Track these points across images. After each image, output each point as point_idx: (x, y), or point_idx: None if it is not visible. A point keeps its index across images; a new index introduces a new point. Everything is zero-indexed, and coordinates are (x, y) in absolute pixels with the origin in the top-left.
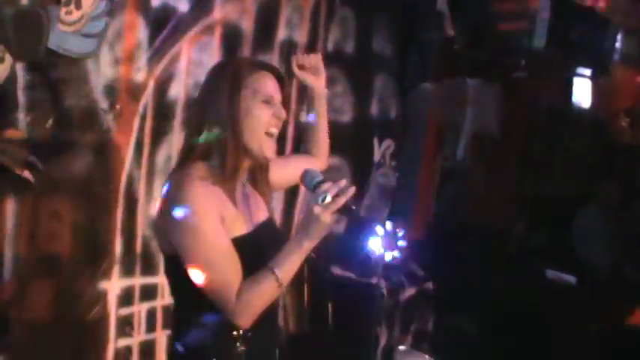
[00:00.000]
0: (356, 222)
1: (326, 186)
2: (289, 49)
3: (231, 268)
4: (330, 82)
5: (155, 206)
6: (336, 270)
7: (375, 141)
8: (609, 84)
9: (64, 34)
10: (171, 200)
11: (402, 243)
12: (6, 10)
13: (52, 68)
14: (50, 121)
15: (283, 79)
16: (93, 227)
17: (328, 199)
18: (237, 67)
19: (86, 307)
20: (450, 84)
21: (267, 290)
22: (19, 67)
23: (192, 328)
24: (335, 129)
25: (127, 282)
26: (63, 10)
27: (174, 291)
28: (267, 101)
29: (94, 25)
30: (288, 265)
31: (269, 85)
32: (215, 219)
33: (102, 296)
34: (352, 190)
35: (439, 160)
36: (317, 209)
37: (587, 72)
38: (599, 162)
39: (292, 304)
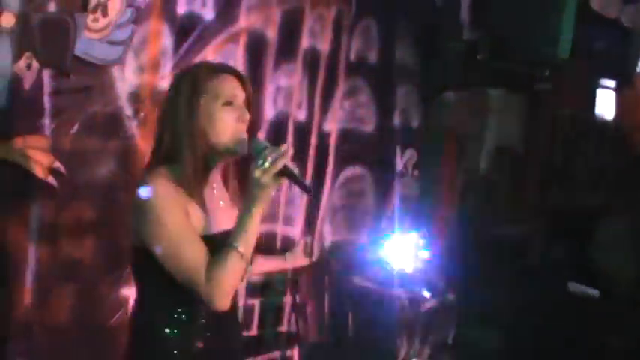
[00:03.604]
0: (295, 184)
1: (267, 151)
2: (312, 57)
3: (197, 253)
4: (353, 91)
5: None
6: (357, 280)
7: (398, 151)
8: (632, 95)
9: (91, 41)
10: (137, 197)
11: (423, 254)
12: (33, 17)
13: (78, 75)
14: (75, 128)
15: (245, 80)
16: (115, 233)
17: (267, 163)
18: (197, 71)
19: (108, 312)
20: (473, 94)
21: (232, 265)
22: (46, 74)
23: (156, 319)
24: (358, 139)
25: None
26: (90, 17)
27: (141, 283)
28: (229, 103)
29: (120, 32)
30: (244, 235)
31: (230, 87)
32: (178, 209)
33: (124, 302)
34: (289, 152)
35: (461, 171)
36: (257, 173)
37: (611, 83)
38: (621, 173)
39: (313, 313)
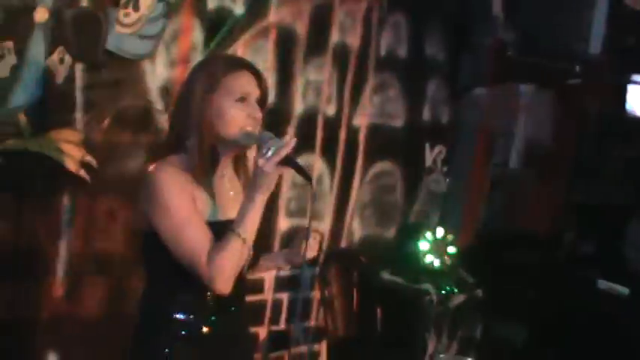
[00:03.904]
0: (297, 172)
1: (270, 142)
2: (342, 52)
3: (200, 236)
4: (382, 86)
5: None
6: (385, 275)
7: (427, 146)
8: None
9: (122, 35)
10: (145, 183)
11: (451, 249)
12: (66, 12)
13: (109, 69)
14: (106, 122)
15: (261, 77)
16: None
17: (271, 152)
18: (214, 66)
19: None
20: (503, 90)
21: (235, 250)
22: (78, 68)
23: (164, 303)
24: (387, 134)
25: None
26: (121, 12)
27: (150, 268)
28: (242, 99)
29: (151, 26)
30: (247, 221)
31: (244, 84)
32: (184, 194)
33: None
34: (293, 142)
35: (490, 167)
36: (261, 161)
37: None
38: None
39: (341, 308)
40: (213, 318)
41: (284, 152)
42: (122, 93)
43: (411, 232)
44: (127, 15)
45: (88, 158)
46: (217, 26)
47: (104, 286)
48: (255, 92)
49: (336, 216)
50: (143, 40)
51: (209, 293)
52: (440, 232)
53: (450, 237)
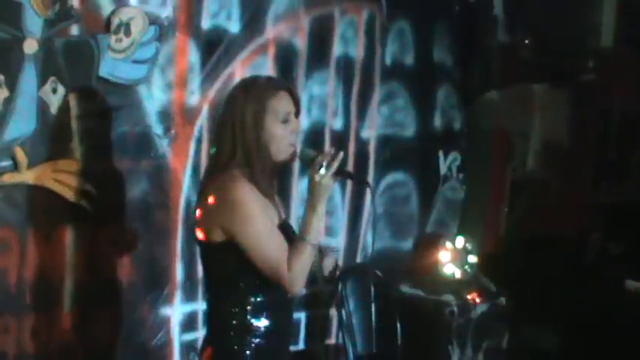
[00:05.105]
0: (352, 180)
1: (319, 158)
2: (345, 64)
3: (281, 245)
4: (390, 96)
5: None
6: (405, 288)
7: (441, 154)
8: None
9: (115, 61)
10: (223, 195)
11: (472, 258)
12: (55, 42)
13: (104, 96)
14: (105, 149)
15: (295, 93)
16: (152, 253)
17: (324, 169)
18: (260, 90)
19: (149, 333)
20: (516, 91)
21: (308, 256)
22: (72, 97)
23: (229, 306)
24: (398, 144)
25: (189, 307)
26: (113, 37)
27: (219, 277)
28: (285, 120)
29: (144, 51)
30: (313, 229)
31: (286, 105)
32: (262, 207)
33: (164, 322)
34: (341, 155)
35: (509, 171)
36: (317, 177)
37: None
38: None
39: (360, 323)
40: (281, 317)
41: (335, 165)
42: (119, 119)
43: (429, 243)
44: (118, 40)
45: (88, 188)
46: (213, 46)
47: (112, 315)
48: (293, 109)
49: (349, 231)
50: (137, 65)
51: (269, 293)
52: (460, 241)
53: (470, 245)
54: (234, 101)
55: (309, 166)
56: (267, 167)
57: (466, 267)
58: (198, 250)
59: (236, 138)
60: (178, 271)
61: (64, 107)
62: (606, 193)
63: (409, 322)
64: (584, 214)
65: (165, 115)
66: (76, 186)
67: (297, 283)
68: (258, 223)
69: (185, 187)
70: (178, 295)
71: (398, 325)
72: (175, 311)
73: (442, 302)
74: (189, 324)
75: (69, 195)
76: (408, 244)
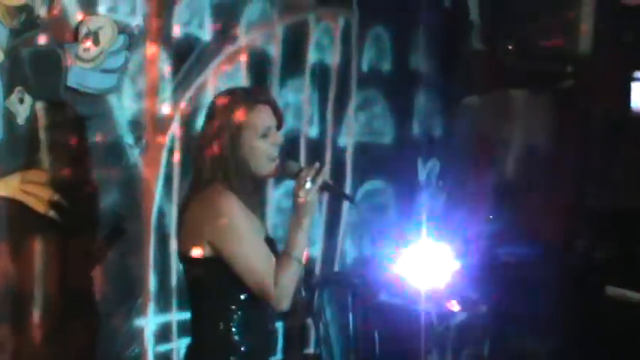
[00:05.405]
0: (336, 195)
1: (303, 173)
2: (321, 71)
3: (269, 261)
4: (367, 103)
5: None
6: (383, 297)
7: (420, 161)
8: None
9: (84, 70)
10: (210, 209)
11: (452, 266)
12: (22, 51)
13: (73, 106)
14: (75, 159)
15: (276, 106)
16: (125, 264)
17: (309, 184)
18: (237, 104)
19: (122, 345)
20: (495, 97)
21: (295, 272)
22: (39, 107)
23: (222, 325)
24: (375, 152)
25: (163, 318)
26: (81, 46)
27: (204, 292)
28: (265, 135)
29: (114, 60)
30: (300, 244)
31: (266, 119)
32: (249, 219)
33: (138, 334)
34: (325, 169)
35: (490, 178)
36: (302, 193)
37: None
38: None
39: (338, 333)
40: (265, 333)
41: (320, 181)
42: (89, 129)
43: (409, 250)
44: (86, 50)
45: (57, 198)
46: (185, 55)
47: (84, 327)
48: (273, 123)
49: (327, 240)
50: (106, 74)
51: (265, 310)
52: (440, 248)
53: (450, 253)
54: (212, 115)
55: (294, 178)
56: (248, 182)
57: (445, 274)
58: (181, 266)
59: (213, 154)
60: (151, 282)
61: (32, 117)
62: (591, 199)
63: (387, 331)
64: (566, 221)
65: (136, 125)
66: (46, 197)
67: (284, 300)
68: (245, 237)
69: (157, 197)
70: (152, 306)
71: (376, 334)
72: (149, 322)
73: (421, 311)
74: (163, 335)
75: (38, 206)
76: (387, 252)
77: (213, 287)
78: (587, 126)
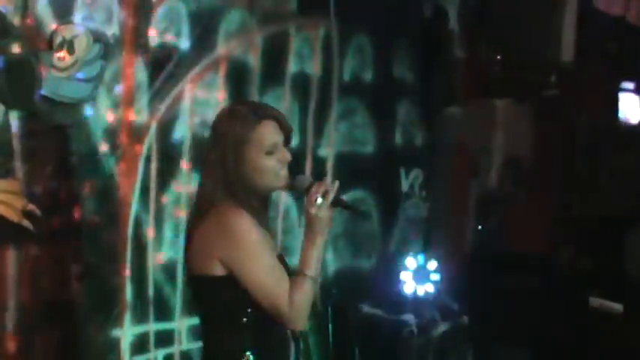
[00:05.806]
0: (348, 210)
1: (314, 189)
2: (302, 81)
3: (283, 280)
4: (348, 113)
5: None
6: (364, 308)
7: (402, 171)
8: None
9: (58, 79)
10: (222, 226)
11: (435, 277)
12: None
13: (47, 115)
14: (49, 169)
15: (284, 121)
16: (101, 274)
17: (320, 199)
18: (242, 120)
19: (99, 356)
20: (477, 106)
21: (310, 291)
22: (13, 116)
23: (232, 344)
24: (357, 161)
25: (140, 329)
26: (56, 55)
27: (214, 310)
28: (271, 151)
29: (89, 69)
30: (314, 263)
31: (272, 135)
32: (263, 237)
33: (114, 344)
34: (337, 184)
35: (472, 187)
36: (313, 210)
37: (630, 85)
38: None
39: (316, 346)
40: (275, 350)
41: (332, 196)
42: (64, 138)
43: (390, 261)
44: (61, 59)
45: (31, 207)
46: (162, 63)
47: (59, 337)
48: (280, 139)
49: None
50: (81, 83)
51: (275, 328)
52: (422, 259)
53: (433, 264)
54: (216, 132)
55: (304, 193)
56: (254, 200)
57: (428, 285)
58: (191, 288)
59: (217, 171)
60: (128, 292)
61: (5, 126)
62: (576, 208)
63: (368, 342)
64: (550, 230)
65: (112, 134)
66: (19, 206)
67: (300, 319)
68: (258, 255)
69: (134, 207)
70: (128, 317)
71: (356, 345)
72: (125, 333)
73: (402, 322)
74: (140, 346)
75: (11, 215)
76: (368, 263)
77: (223, 306)
78: (571, 136)
